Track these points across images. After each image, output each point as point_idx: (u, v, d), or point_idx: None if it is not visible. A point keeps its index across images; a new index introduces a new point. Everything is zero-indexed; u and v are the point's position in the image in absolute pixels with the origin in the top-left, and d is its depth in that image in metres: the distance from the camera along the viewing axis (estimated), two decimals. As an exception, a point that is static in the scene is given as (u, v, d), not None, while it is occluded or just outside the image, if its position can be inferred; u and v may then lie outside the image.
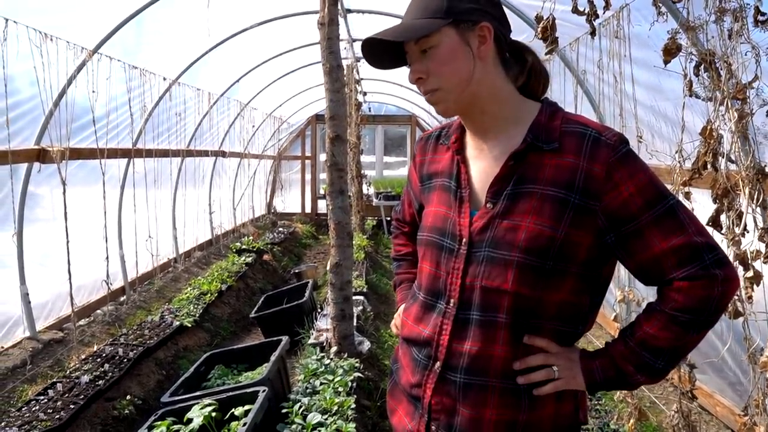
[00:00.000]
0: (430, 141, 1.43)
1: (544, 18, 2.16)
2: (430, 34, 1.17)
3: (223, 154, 9.15)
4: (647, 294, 3.97)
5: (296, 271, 8.51)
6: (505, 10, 4.71)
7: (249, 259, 7.79)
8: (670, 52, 2.07)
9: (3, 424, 3.33)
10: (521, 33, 4.38)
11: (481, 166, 1.27)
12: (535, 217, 1.15)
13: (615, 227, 1.15)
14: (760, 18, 1.85)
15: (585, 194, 1.14)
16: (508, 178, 1.20)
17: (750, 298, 1.91)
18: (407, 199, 1.59)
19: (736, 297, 1.97)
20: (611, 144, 1.15)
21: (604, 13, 2.12)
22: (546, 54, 2.19)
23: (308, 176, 13.49)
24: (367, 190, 10.60)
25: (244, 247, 8.43)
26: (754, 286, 1.89)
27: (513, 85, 1.26)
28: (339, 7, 4.75)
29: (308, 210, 13.54)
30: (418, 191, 1.45)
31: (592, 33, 2.18)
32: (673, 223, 1.13)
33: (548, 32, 2.15)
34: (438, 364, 1.23)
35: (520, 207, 1.17)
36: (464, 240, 1.22)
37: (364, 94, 10.22)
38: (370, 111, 11.86)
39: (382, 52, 1.26)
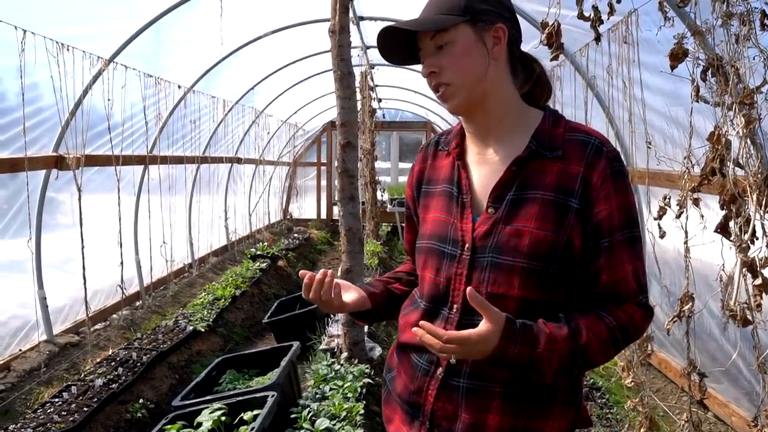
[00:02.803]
0: (430, 148, 1.42)
1: (550, 24, 2.16)
2: (447, 28, 1.19)
3: (239, 160, 9.24)
4: (661, 302, 3.93)
5: (310, 276, 8.54)
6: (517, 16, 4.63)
7: (263, 265, 7.84)
8: (677, 56, 2.06)
9: (19, 425, 3.40)
10: (533, 38, 4.37)
11: (483, 172, 1.27)
12: (538, 223, 1.16)
13: (595, 237, 1.18)
14: (767, 22, 1.82)
15: (582, 200, 1.17)
16: (510, 183, 1.21)
17: (759, 306, 1.88)
18: (408, 226, 1.51)
19: (745, 305, 1.94)
20: (611, 157, 1.19)
21: (608, 18, 2.11)
22: (551, 60, 2.19)
23: (324, 182, 13.56)
24: (382, 196, 10.61)
25: (258, 252, 8.49)
26: (763, 294, 1.86)
27: (518, 92, 1.28)
28: (351, 14, 4.78)
29: (324, 216, 13.60)
30: (412, 201, 1.44)
31: (597, 39, 2.17)
32: (636, 251, 1.20)
33: (553, 38, 2.14)
34: (440, 369, 1.22)
35: (524, 212, 1.18)
36: (467, 246, 1.21)
37: (379, 100, 10.25)
38: (384, 117, 11.90)
39: (396, 46, 1.28)
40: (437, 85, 1.23)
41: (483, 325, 1.08)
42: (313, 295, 1.28)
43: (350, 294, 1.37)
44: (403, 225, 1.55)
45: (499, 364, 1.12)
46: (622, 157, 4.00)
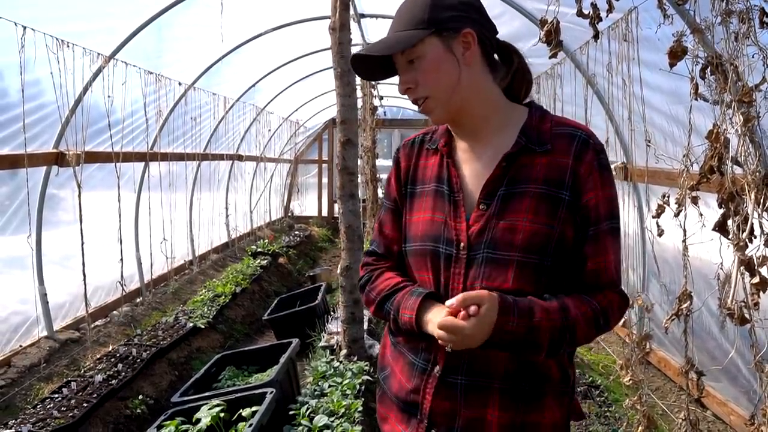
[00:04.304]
0: (415, 146, 1.40)
1: (549, 21, 2.15)
2: (414, 44, 1.19)
3: (240, 157, 9.24)
4: (661, 300, 3.92)
5: (311, 274, 8.56)
6: (516, 13, 4.58)
7: (264, 262, 7.86)
8: (676, 54, 2.05)
9: (19, 420, 3.41)
10: (533, 36, 4.35)
11: (473, 169, 1.27)
12: (531, 216, 1.17)
13: (583, 227, 1.21)
14: (766, 20, 1.82)
15: (573, 191, 1.19)
16: (501, 179, 1.22)
17: (756, 304, 1.88)
18: (391, 222, 1.40)
19: (742, 303, 1.94)
20: (598, 149, 1.22)
21: (607, 15, 2.11)
22: (550, 57, 2.19)
23: (325, 180, 13.57)
24: (382, 194, 10.60)
25: (259, 249, 8.50)
26: (761, 293, 1.85)
27: (499, 88, 1.29)
28: (352, 12, 4.77)
29: (325, 213, 13.61)
30: (400, 196, 1.39)
31: (596, 36, 2.17)
32: (617, 241, 1.24)
33: (552, 36, 2.14)
34: (438, 368, 1.23)
35: (516, 206, 1.19)
36: (462, 244, 1.21)
37: (381, 98, 10.24)
38: (385, 115, 11.89)
39: (374, 64, 1.29)
40: (415, 100, 1.25)
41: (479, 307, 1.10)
42: None
43: None
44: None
45: (498, 342, 1.12)
46: (622, 154, 3.99)
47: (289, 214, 13.36)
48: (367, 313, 4.78)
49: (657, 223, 2.42)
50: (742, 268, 1.87)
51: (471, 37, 1.21)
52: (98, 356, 4.44)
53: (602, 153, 1.23)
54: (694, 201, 2.21)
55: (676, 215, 2.29)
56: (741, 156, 1.94)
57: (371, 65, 1.30)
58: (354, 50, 4.02)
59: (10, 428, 3.31)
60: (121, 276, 5.05)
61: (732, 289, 1.89)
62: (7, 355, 4.15)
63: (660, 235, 2.43)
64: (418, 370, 1.26)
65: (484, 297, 1.10)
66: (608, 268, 1.23)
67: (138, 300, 5.99)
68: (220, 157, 8.41)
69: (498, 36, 1.29)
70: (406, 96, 1.27)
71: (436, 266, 1.25)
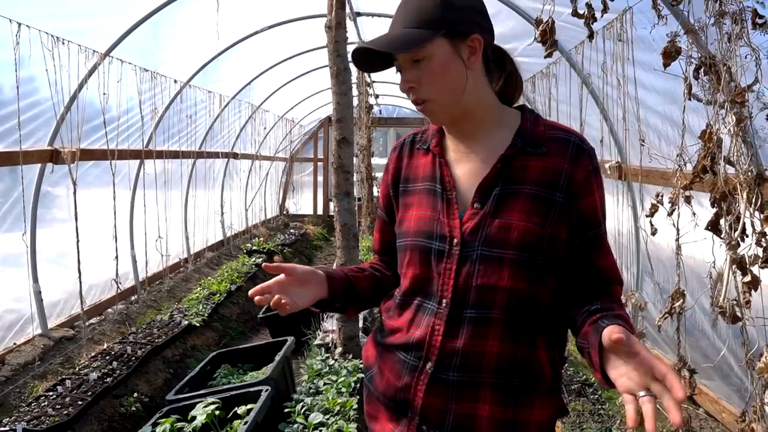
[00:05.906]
0: (405, 147, 1.42)
1: (544, 21, 2.17)
2: (424, 44, 1.17)
3: (235, 155, 9.23)
4: (655, 299, 3.95)
5: (306, 272, 8.56)
6: (512, 12, 4.60)
7: (259, 260, 7.85)
8: (670, 55, 2.07)
9: (13, 418, 3.41)
10: (529, 36, 4.37)
11: (466, 169, 1.28)
12: (524, 215, 1.19)
13: (582, 230, 1.24)
14: (758, 21, 1.83)
15: (567, 195, 1.21)
16: (496, 179, 1.23)
17: (748, 303, 1.90)
18: (379, 229, 1.50)
19: (734, 302, 1.96)
20: (591, 154, 1.25)
21: (602, 16, 2.12)
22: (545, 57, 2.20)
23: (320, 178, 13.56)
24: (378, 192, 10.62)
25: (254, 248, 8.49)
26: (752, 291, 1.87)
27: (494, 91, 1.30)
28: (348, 10, 4.78)
29: (320, 212, 13.60)
30: (387, 200, 1.43)
31: (590, 36, 2.18)
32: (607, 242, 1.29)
33: (547, 35, 2.15)
34: (429, 364, 1.23)
35: (510, 206, 1.21)
36: (455, 240, 1.22)
37: (376, 97, 10.25)
38: (381, 113, 11.90)
39: (372, 56, 1.27)
40: (416, 101, 1.23)
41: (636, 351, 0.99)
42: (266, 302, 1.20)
43: (306, 291, 1.27)
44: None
45: None
46: (617, 153, 4.01)
47: (285, 212, 13.36)
48: (362, 312, 4.79)
49: (651, 222, 2.44)
50: (734, 266, 1.89)
51: (478, 43, 1.20)
52: (93, 354, 4.43)
53: (594, 157, 1.26)
54: (688, 200, 2.23)
55: (670, 214, 2.31)
56: (733, 156, 1.96)
57: (370, 57, 1.27)
58: (350, 48, 4.03)
59: (5, 426, 3.31)
60: (116, 274, 5.05)
61: (724, 287, 1.91)
62: (2, 353, 4.14)
63: (654, 234, 2.45)
64: (409, 367, 1.26)
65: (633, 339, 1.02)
66: (615, 266, 1.28)
67: (133, 298, 5.98)
68: (216, 155, 8.40)
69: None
70: (404, 95, 1.27)
71: (426, 262, 1.26)
